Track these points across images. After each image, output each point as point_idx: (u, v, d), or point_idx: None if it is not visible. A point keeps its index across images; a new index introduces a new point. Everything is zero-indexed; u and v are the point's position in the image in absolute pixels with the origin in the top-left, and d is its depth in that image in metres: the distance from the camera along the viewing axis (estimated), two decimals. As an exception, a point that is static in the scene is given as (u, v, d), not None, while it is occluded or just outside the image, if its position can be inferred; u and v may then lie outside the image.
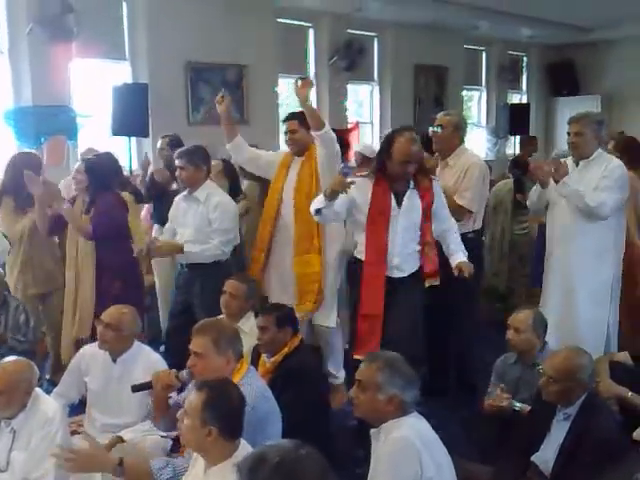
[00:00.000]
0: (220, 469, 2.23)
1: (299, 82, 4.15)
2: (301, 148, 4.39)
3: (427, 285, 3.82)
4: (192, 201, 4.30)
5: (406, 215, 3.72)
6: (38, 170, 4.58)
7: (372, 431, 2.44)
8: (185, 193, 4.37)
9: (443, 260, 3.87)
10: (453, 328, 4.44)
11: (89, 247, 4.46)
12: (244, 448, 2.27)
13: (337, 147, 4.27)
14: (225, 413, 2.24)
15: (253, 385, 2.77)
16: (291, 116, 4.49)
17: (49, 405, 3.00)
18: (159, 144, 5.80)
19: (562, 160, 4.24)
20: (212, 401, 2.23)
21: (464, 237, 4.14)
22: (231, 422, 2.26)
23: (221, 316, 3.88)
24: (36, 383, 3.00)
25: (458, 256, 3.79)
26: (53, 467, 2.83)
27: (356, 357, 3.54)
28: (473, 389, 4.28)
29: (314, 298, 4.29)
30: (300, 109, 4.31)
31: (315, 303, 4.30)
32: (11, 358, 3.05)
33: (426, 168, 3.93)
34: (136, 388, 3.01)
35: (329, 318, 4.43)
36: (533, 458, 2.88)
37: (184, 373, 2.86)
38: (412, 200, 3.73)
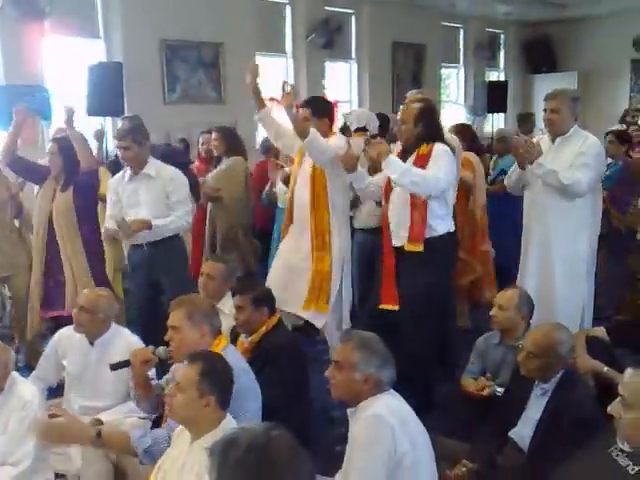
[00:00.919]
0: (206, 440, 2.24)
1: (287, 88, 4.03)
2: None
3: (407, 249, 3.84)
4: (142, 179, 4.24)
5: None
6: None
7: (349, 410, 2.45)
8: (130, 173, 4.28)
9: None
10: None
11: (71, 220, 4.45)
12: (229, 420, 2.32)
13: (330, 154, 4.10)
14: (222, 381, 2.33)
15: (232, 360, 2.75)
16: (303, 103, 4.34)
17: (26, 388, 2.98)
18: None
19: (536, 138, 4.23)
20: (209, 371, 2.30)
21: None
22: (227, 390, 2.34)
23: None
24: (13, 366, 2.97)
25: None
26: (32, 450, 2.84)
27: (383, 307, 3.88)
28: (452, 365, 4.31)
29: (326, 298, 4.26)
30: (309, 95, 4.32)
31: (327, 304, 4.27)
32: None
33: None
34: (114, 366, 2.99)
35: (320, 320, 4.36)
36: (510, 434, 2.92)
37: (161, 350, 2.87)
38: None
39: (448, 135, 4.39)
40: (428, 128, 3.82)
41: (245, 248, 5.67)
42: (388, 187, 3.97)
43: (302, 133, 3.99)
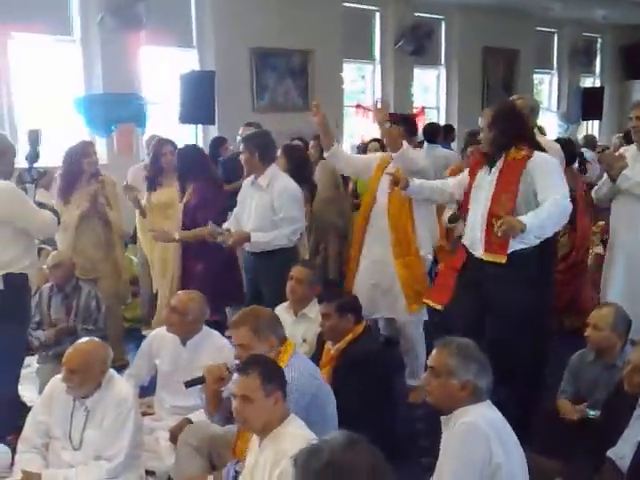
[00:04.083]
0: (274, 436, 2.34)
1: (378, 104, 4.08)
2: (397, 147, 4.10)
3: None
4: (256, 188, 4.23)
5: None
6: (84, 157, 4.63)
7: (443, 418, 2.40)
8: (252, 178, 4.33)
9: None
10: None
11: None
12: (293, 417, 2.41)
13: (414, 164, 4.05)
14: (280, 375, 2.45)
15: (299, 366, 2.79)
16: (398, 120, 4.29)
17: (123, 386, 3.06)
18: (242, 131, 5.80)
19: (622, 150, 4.09)
20: (267, 370, 2.40)
21: None
22: (285, 382, 2.46)
23: (286, 302, 3.89)
24: (110, 363, 3.05)
25: None
26: (126, 446, 2.91)
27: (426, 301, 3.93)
28: (541, 381, 4.15)
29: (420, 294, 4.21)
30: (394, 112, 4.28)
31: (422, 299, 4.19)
32: (86, 339, 3.12)
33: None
34: (189, 383, 3.00)
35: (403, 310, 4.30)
36: (609, 453, 2.77)
37: (233, 365, 2.84)
38: None
39: (553, 145, 4.26)
40: (504, 132, 3.54)
41: (331, 251, 5.63)
42: (466, 196, 3.72)
43: (394, 147, 3.96)
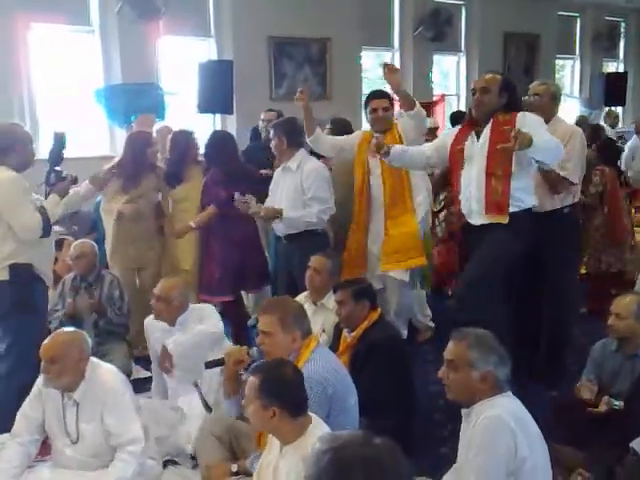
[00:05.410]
0: (295, 447, 2.26)
1: (386, 67, 4.17)
2: (387, 127, 4.43)
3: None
4: (286, 172, 4.37)
5: None
6: (148, 147, 4.70)
7: (463, 411, 2.37)
8: (282, 164, 4.44)
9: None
10: (548, 300, 4.22)
11: None
12: (317, 423, 2.31)
13: (426, 123, 4.34)
14: (282, 392, 2.28)
15: (321, 360, 2.78)
16: (381, 94, 4.52)
17: (109, 375, 3.02)
18: (264, 116, 5.85)
19: None
20: (267, 383, 2.28)
21: (559, 212, 3.97)
22: (290, 399, 2.29)
23: (306, 292, 3.90)
24: (89, 351, 3.00)
25: None
26: (139, 430, 2.93)
27: None
28: (563, 370, 4.10)
29: (419, 253, 4.45)
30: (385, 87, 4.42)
31: (415, 258, 4.45)
32: (64, 329, 3.10)
33: None
34: (209, 365, 3.05)
35: (405, 273, 4.54)
36: (632, 444, 2.73)
37: (255, 351, 2.89)
38: None
39: (574, 129, 4.23)
40: (514, 100, 3.72)
41: None
42: (455, 163, 3.82)
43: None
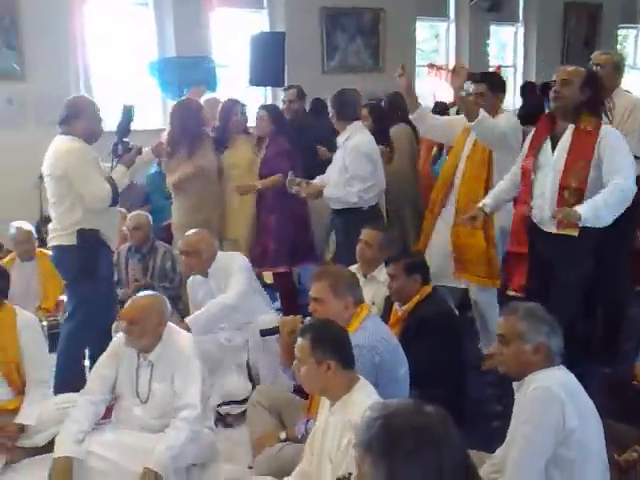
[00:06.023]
0: (344, 402, 2.31)
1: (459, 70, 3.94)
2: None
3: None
4: (339, 145, 4.30)
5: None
6: (199, 114, 4.70)
7: (515, 384, 2.34)
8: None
9: None
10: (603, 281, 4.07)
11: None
12: (364, 382, 2.36)
13: (499, 128, 3.87)
14: (333, 344, 2.36)
15: (372, 328, 2.79)
16: (480, 78, 4.18)
17: (185, 339, 3.13)
18: (285, 95, 5.75)
19: None
20: (317, 339, 2.34)
21: None
22: (342, 350, 2.37)
23: (356, 264, 3.85)
24: (169, 316, 3.12)
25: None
26: (198, 396, 2.98)
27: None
28: (617, 348, 4.00)
29: (481, 271, 4.09)
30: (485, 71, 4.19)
31: (485, 278, 4.10)
32: (145, 292, 3.21)
33: None
34: (264, 332, 3.12)
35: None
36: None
37: (308, 320, 2.87)
38: None
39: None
40: (596, 98, 3.39)
41: (408, 223, 5.50)
42: (526, 171, 3.51)
43: (471, 114, 3.81)
